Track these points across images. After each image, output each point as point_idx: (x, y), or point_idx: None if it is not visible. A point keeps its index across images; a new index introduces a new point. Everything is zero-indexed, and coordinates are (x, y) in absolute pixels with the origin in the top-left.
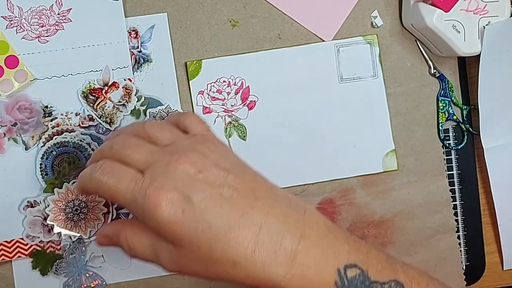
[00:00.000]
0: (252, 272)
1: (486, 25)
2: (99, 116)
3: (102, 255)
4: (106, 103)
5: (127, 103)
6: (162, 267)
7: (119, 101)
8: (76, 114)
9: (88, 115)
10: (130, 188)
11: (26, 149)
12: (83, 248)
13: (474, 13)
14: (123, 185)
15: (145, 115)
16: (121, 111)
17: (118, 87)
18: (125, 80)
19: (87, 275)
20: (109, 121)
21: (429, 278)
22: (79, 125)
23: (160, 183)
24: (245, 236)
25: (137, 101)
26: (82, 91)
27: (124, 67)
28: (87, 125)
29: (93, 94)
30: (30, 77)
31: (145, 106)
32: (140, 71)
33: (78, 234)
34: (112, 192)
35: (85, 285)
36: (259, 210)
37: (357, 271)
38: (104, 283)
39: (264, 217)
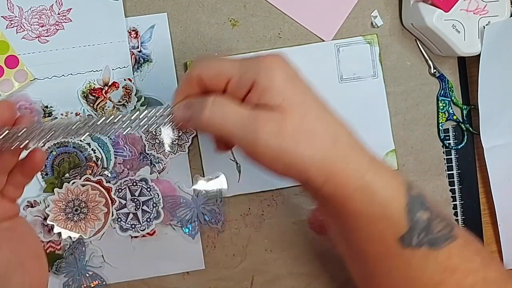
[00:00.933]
0: (346, 154)
1: (486, 25)
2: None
3: (102, 255)
4: (106, 103)
5: (127, 103)
6: (258, 144)
7: (119, 101)
8: (76, 114)
9: (88, 115)
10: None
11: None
12: (83, 248)
13: (474, 13)
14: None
15: None
16: (121, 111)
17: (118, 87)
18: (125, 80)
19: (87, 275)
20: None
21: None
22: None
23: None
24: (339, 120)
25: (137, 101)
26: (82, 91)
27: (124, 67)
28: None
29: (93, 94)
30: (30, 77)
31: (145, 106)
32: (140, 71)
33: (78, 234)
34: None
35: (85, 285)
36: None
37: (418, 190)
38: (104, 283)
39: (352, 132)
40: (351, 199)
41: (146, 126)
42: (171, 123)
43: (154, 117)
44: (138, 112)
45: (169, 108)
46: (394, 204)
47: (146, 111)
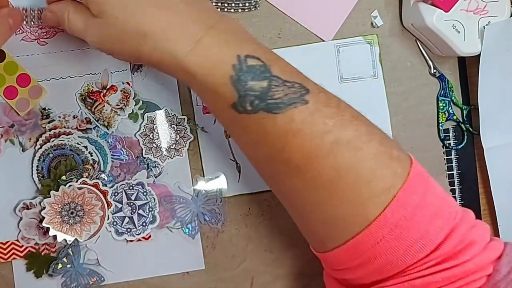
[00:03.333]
0: (159, 46)
1: (486, 25)
2: (96, 119)
3: (97, 258)
4: (104, 106)
5: (125, 106)
6: (88, 41)
7: (117, 105)
8: (74, 117)
9: (85, 118)
10: None
11: (23, 150)
12: (79, 251)
13: (474, 13)
14: None
15: (143, 118)
16: (119, 115)
17: (116, 91)
18: (123, 83)
19: (85, 273)
20: (106, 124)
21: (341, 100)
22: (76, 127)
23: None
24: (159, 16)
25: (135, 105)
26: (81, 93)
27: (123, 70)
28: (85, 128)
29: (91, 97)
30: (44, 92)
31: (143, 110)
32: (140, 71)
33: (74, 237)
34: None
35: (83, 283)
36: (172, 5)
37: (259, 62)
38: (102, 278)
39: (180, 4)
40: (179, 78)
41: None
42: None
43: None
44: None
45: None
46: (215, 79)
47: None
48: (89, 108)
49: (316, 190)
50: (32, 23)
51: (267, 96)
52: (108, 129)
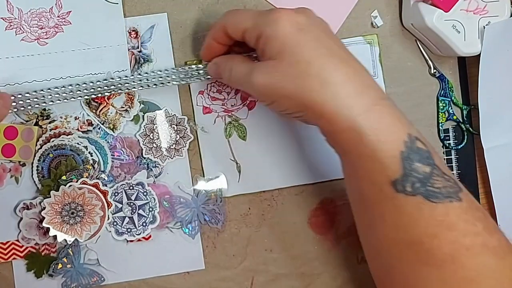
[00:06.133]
0: (337, 97)
1: (486, 25)
2: (102, 122)
3: (97, 258)
4: (108, 109)
5: (130, 108)
6: (251, 85)
7: (122, 107)
8: (75, 118)
9: (87, 120)
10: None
11: None
12: (79, 251)
13: (474, 13)
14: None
15: (143, 118)
16: (124, 117)
17: (120, 93)
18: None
19: (85, 273)
20: (112, 127)
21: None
22: (77, 129)
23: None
24: (341, 68)
25: (139, 106)
26: None
27: (123, 70)
28: (86, 129)
29: (96, 100)
30: (35, 129)
31: (144, 111)
32: (140, 71)
33: (74, 237)
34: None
35: (84, 283)
36: (354, 63)
37: (424, 147)
38: (102, 279)
39: (358, 65)
40: (342, 139)
41: (184, 82)
42: (205, 77)
43: (191, 74)
44: (177, 69)
45: (203, 68)
46: (385, 149)
47: (181, 69)
48: (94, 111)
49: (448, 285)
50: (23, 108)
51: (428, 182)
52: (113, 132)
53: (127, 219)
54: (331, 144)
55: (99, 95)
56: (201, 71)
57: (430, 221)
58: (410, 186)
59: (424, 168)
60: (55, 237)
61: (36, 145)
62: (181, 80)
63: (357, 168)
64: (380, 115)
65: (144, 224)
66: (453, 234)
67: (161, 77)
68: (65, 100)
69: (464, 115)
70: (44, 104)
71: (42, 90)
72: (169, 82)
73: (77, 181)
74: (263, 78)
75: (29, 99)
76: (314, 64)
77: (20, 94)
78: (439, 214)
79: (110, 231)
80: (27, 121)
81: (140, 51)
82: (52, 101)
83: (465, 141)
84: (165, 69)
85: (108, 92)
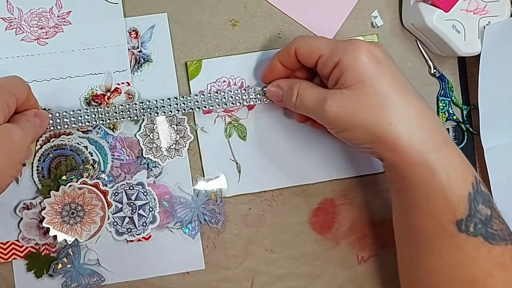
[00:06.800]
0: (411, 131)
1: (486, 25)
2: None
3: (98, 258)
4: None
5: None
6: (325, 112)
7: None
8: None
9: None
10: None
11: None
12: (79, 251)
13: (474, 13)
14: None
15: (143, 119)
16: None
17: (121, 93)
18: (127, 86)
19: (85, 273)
20: (112, 127)
21: None
22: (77, 129)
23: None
24: (416, 103)
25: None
26: (85, 97)
27: (123, 70)
28: (86, 129)
29: (96, 100)
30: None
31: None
32: (141, 71)
33: (74, 237)
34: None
35: (84, 283)
36: (424, 101)
37: (486, 190)
38: (102, 279)
39: (428, 106)
40: (412, 174)
41: (242, 103)
42: (263, 100)
43: (248, 94)
44: (235, 90)
45: (262, 88)
46: (455, 188)
47: (240, 90)
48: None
49: None
50: (59, 127)
51: (488, 224)
52: (114, 132)
53: (127, 219)
54: (393, 178)
55: (140, 117)
56: (257, 94)
57: (487, 261)
58: (473, 227)
59: (486, 210)
60: (55, 237)
61: (36, 145)
62: (238, 102)
63: (420, 203)
64: (451, 154)
65: (144, 224)
66: (507, 275)
67: (217, 99)
68: (101, 122)
69: (464, 115)
70: (80, 124)
71: (79, 110)
72: (225, 104)
73: (77, 181)
74: (338, 107)
75: (66, 118)
76: (392, 97)
77: (58, 113)
78: (496, 255)
79: (110, 231)
80: None
81: (140, 51)
82: (88, 122)
83: (465, 141)
84: (219, 90)
85: (156, 113)
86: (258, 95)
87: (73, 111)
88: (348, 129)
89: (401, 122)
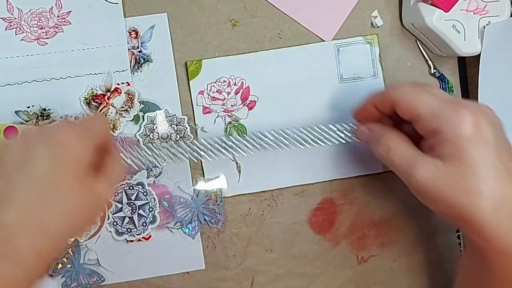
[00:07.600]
0: (500, 221)
1: (486, 25)
2: None
3: (97, 258)
4: (109, 109)
5: (130, 108)
6: (412, 178)
7: (122, 107)
8: (76, 118)
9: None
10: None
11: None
12: (79, 251)
13: (474, 13)
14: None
15: (143, 119)
16: (124, 117)
17: (121, 93)
18: (127, 86)
19: (85, 273)
20: (112, 127)
21: None
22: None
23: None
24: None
25: (139, 106)
26: (85, 97)
27: (123, 70)
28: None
29: (96, 100)
30: None
31: (144, 111)
32: (140, 71)
33: (74, 237)
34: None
35: (84, 283)
36: None
37: None
38: (102, 279)
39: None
40: (497, 261)
41: (322, 143)
42: (351, 139)
43: (333, 132)
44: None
45: (352, 126)
46: None
47: (320, 127)
48: (94, 111)
49: None
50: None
51: None
52: (114, 132)
53: (127, 219)
54: (475, 257)
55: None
56: (345, 132)
57: None
58: None
59: None
60: None
61: None
62: (320, 141)
63: (501, 283)
64: None
65: (144, 224)
66: None
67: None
68: (177, 161)
69: None
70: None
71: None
72: (307, 142)
73: None
74: (428, 179)
75: (147, 155)
76: (490, 184)
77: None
78: None
79: (110, 231)
80: (27, 121)
81: (140, 51)
82: (164, 159)
83: None
84: (307, 126)
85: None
86: (347, 132)
87: (147, 146)
88: (433, 201)
89: (494, 210)
